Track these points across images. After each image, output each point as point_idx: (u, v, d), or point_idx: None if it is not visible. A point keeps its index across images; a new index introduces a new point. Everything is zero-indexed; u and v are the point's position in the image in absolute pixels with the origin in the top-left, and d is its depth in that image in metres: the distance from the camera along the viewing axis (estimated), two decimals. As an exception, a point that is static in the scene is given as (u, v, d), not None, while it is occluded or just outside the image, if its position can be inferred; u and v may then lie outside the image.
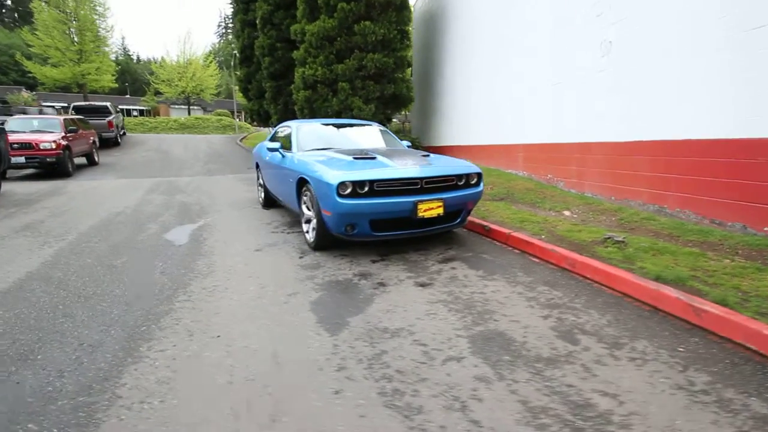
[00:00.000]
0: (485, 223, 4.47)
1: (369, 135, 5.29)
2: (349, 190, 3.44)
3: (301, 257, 3.74)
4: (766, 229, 3.51)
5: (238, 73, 32.81)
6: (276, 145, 4.77)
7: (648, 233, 4.13)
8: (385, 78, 11.79)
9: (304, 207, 4.13)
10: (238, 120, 33.08)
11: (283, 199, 5.00)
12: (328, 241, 3.85)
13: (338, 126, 5.39)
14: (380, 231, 3.63)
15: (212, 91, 38.09)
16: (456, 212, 3.92)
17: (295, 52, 12.36)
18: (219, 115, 34.76)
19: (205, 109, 41.42)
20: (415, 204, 3.53)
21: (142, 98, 40.50)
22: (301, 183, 4.10)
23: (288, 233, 4.61)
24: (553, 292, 2.87)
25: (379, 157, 3.91)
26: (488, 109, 8.84)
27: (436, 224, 3.83)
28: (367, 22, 10.88)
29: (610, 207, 5.13)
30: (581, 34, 5.72)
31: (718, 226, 3.91)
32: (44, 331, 2.35)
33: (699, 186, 4.09)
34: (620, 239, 3.81)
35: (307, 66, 11.48)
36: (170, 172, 11.11)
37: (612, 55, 5.18)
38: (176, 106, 39.95)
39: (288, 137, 5.13)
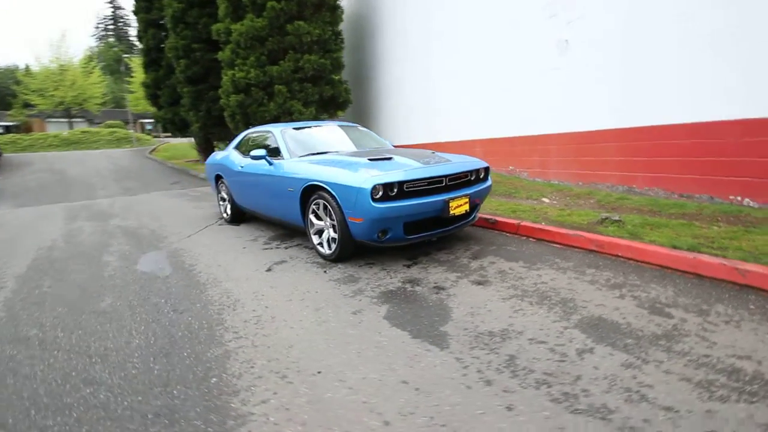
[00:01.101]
0: (489, 216, 4.55)
1: (358, 135, 5.03)
2: (381, 194, 3.22)
3: (325, 271, 3.40)
4: (731, 197, 4.13)
5: (133, 78, 29.33)
6: (261, 152, 4.28)
7: (631, 211, 4.58)
8: (322, 80, 11.46)
9: (312, 217, 3.76)
10: (134, 131, 29.54)
11: (270, 211, 4.53)
12: (349, 251, 3.57)
13: (320, 128, 5.03)
14: (412, 234, 3.47)
15: (98, 101, 33.43)
16: (472, 208, 3.92)
17: (219, 53, 11.40)
18: (111, 127, 30.72)
19: (91, 122, 36.02)
20: (447, 202, 3.44)
21: (8, 113, 34.02)
22: (309, 191, 3.74)
23: (286, 248, 4.17)
24: (603, 273, 3.01)
25: (395, 157, 3.73)
26: (444, 107, 9.07)
27: (459, 221, 3.79)
28: (301, 22, 10.47)
29: (582, 191, 5.60)
30: (536, 33, 6.14)
31: (687, 199, 4.49)
32: (87, 423, 1.76)
33: (665, 165, 4.67)
34: (617, 218, 4.16)
35: (237, 68, 10.66)
36: (79, 195, 9.46)
37: (569, 54, 5.66)
38: (54, 120, 34.12)
39: (267, 143, 4.66)
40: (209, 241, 4.67)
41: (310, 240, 3.87)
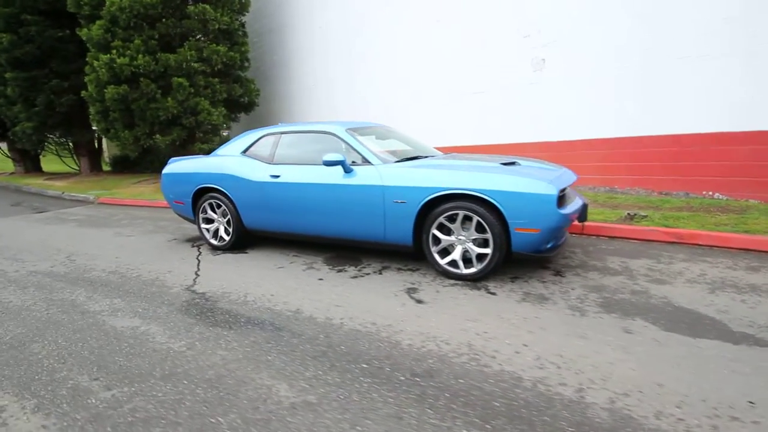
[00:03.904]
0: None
1: (409, 138, 4.38)
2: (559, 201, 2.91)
3: (494, 293, 2.84)
4: (704, 192, 5.25)
5: None
6: (337, 156, 3.33)
7: (631, 207, 5.35)
8: (230, 77, 9.84)
9: (436, 232, 3.11)
10: None
11: (332, 230, 3.52)
12: (497, 268, 3.08)
13: (374, 128, 4.17)
14: (560, 240, 3.24)
15: None
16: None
17: (83, 29, 8.57)
18: None
19: None
20: (586, 206, 3.35)
21: None
22: (431, 204, 3.09)
23: (375, 273, 3.33)
24: (720, 260, 3.38)
25: (519, 161, 3.43)
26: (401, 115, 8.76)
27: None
28: (207, 6, 8.78)
29: (567, 193, 6.26)
30: (511, 52, 6.57)
31: (665, 195, 5.50)
32: None
33: (645, 169, 5.61)
34: (644, 214, 4.80)
35: (116, 51, 8.23)
36: None
37: (545, 71, 6.27)
38: None
39: (318, 146, 3.64)
40: (275, 283, 3.36)
41: (430, 260, 3.20)
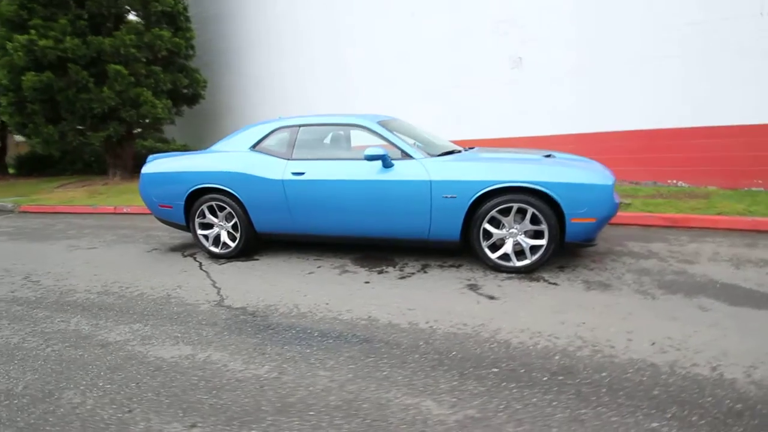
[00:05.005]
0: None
1: (426, 132, 4.21)
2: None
3: (557, 284, 2.84)
4: (669, 181, 5.85)
5: None
6: (379, 150, 3.09)
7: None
8: (175, 66, 8.86)
9: (488, 226, 3.04)
10: None
11: (367, 229, 3.30)
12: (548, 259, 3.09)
13: (399, 122, 3.94)
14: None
15: None
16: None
17: (-14, 2, 7.08)
18: None
19: None
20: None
21: None
22: (483, 198, 3.01)
23: (420, 272, 3.18)
24: (718, 239, 3.78)
25: (554, 154, 3.49)
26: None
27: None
28: (148, -17, 7.79)
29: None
30: (489, 50, 6.72)
31: (636, 185, 6.04)
32: None
33: (616, 161, 6.11)
34: (628, 202, 5.22)
35: (35, 32, 6.96)
36: None
37: (523, 69, 6.53)
38: None
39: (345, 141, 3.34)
40: (320, 290, 3.00)
41: (481, 254, 3.13)
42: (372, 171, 3.23)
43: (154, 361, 2.10)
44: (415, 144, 3.50)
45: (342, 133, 3.66)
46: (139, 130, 8.83)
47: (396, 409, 1.66)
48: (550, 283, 2.91)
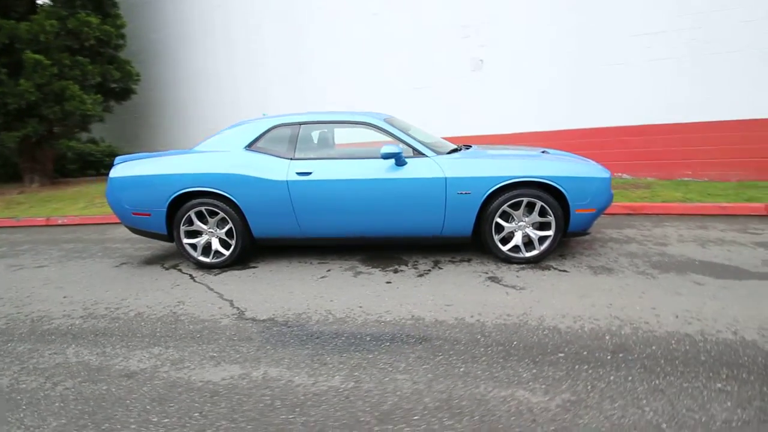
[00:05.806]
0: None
1: (422, 130, 4.22)
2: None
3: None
4: (615, 174, 6.52)
5: None
6: (394, 148, 3.05)
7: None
8: (104, 56, 7.90)
9: (500, 220, 3.16)
10: None
11: (377, 228, 3.24)
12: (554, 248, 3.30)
13: (396, 119, 3.88)
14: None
15: None
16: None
17: None
18: None
19: None
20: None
21: None
22: (496, 193, 3.13)
23: (435, 269, 3.20)
24: (675, 224, 4.32)
25: (548, 151, 3.71)
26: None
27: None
28: (70, -38, 6.85)
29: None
30: (451, 52, 6.93)
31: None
32: None
33: (591, 155, 6.69)
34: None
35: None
36: None
37: (485, 71, 6.84)
38: None
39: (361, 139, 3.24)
40: (346, 294, 2.84)
41: (492, 247, 3.24)
42: (384, 169, 3.20)
43: (204, 386, 1.89)
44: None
45: (361, 129, 3.54)
46: (61, 128, 7.72)
47: (496, 402, 1.68)
48: (560, 270, 3.12)
